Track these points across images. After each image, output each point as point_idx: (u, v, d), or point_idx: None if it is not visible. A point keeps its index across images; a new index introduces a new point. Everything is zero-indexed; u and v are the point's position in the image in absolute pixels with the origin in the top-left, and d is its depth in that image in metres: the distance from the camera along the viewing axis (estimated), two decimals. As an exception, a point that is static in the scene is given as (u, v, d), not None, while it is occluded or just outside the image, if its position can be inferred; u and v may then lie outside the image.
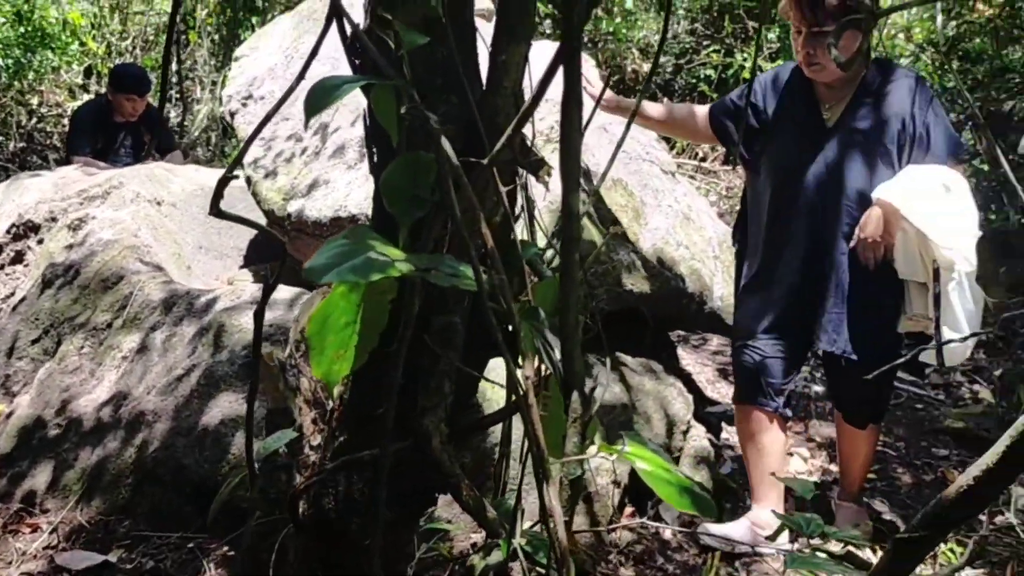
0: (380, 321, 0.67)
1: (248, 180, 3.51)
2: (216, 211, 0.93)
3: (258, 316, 1.12)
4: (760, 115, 2.85)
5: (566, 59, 0.74)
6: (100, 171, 4.57)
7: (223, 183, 0.94)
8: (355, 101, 3.56)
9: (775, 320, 2.78)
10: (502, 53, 0.88)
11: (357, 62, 0.99)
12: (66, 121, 8.62)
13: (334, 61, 3.59)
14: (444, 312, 0.92)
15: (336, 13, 1.02)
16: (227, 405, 2.66)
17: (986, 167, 5.60)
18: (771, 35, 7.06)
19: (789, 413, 2.85)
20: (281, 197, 3.35)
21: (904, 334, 2.73)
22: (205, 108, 8.01)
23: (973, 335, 2.56)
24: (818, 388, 4.38)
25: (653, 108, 3.08)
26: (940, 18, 4.76)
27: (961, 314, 2.54)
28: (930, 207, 2.48)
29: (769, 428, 2.78)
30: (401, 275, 0.60)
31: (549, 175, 0.99)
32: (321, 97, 0.65)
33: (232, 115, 3.77)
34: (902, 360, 2.24)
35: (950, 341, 2.48)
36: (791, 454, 3.87)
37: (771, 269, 2.80)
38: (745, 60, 7.23)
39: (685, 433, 3.09)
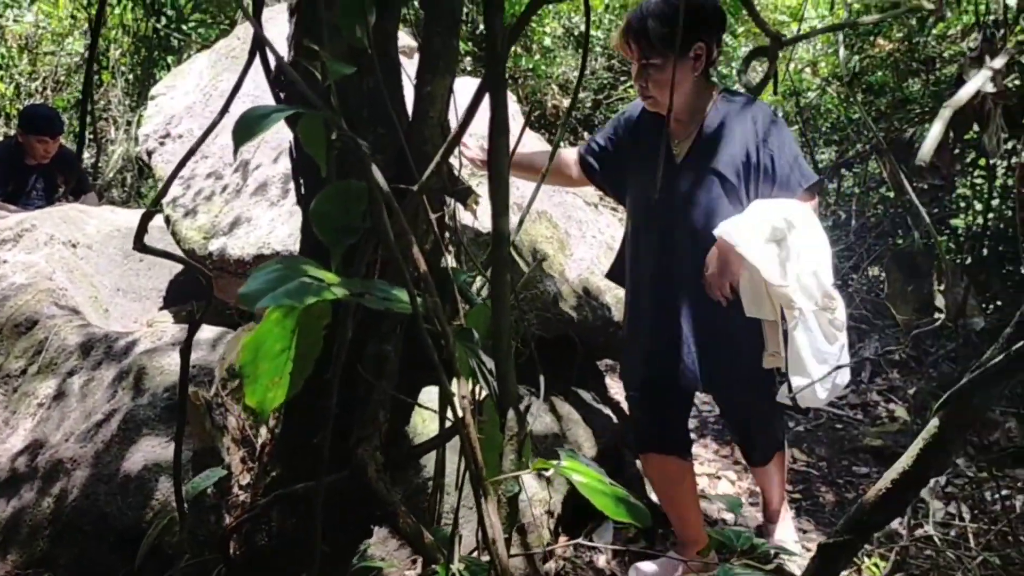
0: (315, 348, 0.68)
1: (167, 219, 3.45)
2: (140, 246, 0.92)
3: (184, 354, 1.11)
4: (622, 152, 2.75)
5: (492, 86, 0.76)
6: (11, 214, 4.42)
7: (147, 217, 0.94)
8: (277, 138, 3.55)
9: (652, 366, 2.66)
10: (427, 85, 0.90)
11: (282, 95, 1.00)
12: (-28, 164, 8.33)
13: (254, 98, 3.57)
14: (377, 340, 0.92)
15: (259, 46, 1.03)
16: (150, 449, 2.59)
17: (891, 194, 5.86)
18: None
19: (689, 455, 2.74)
20: (202, 236, 3.30)
21: (775, 369, 2.61)
22: (120, 148, 7.84)
23: (837, 368, 2.41)
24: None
25: (526, 158, 2.81)
26: (843, 52, 4.99)
27: (808, 354, 2.39)
28: (768, 244, 2.37)
29: (674, 474, 2.69)
30: (336, 299, 0.60)
31: (477, 203, 1.00)
32: (249, 126, 0.66)
33: (149, 154, 3.70)
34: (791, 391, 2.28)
35: (817, 381, 2.38)
36: (719, 477, 3.95)
37: (638, 311, 2.71)
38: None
39: (617, 461, 3.13)
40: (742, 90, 2.74)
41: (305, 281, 0.62)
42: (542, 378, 1.09)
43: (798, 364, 2.39)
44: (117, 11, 8.15)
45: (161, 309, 4.04)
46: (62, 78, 9.24)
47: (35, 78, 9.13)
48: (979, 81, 2.53)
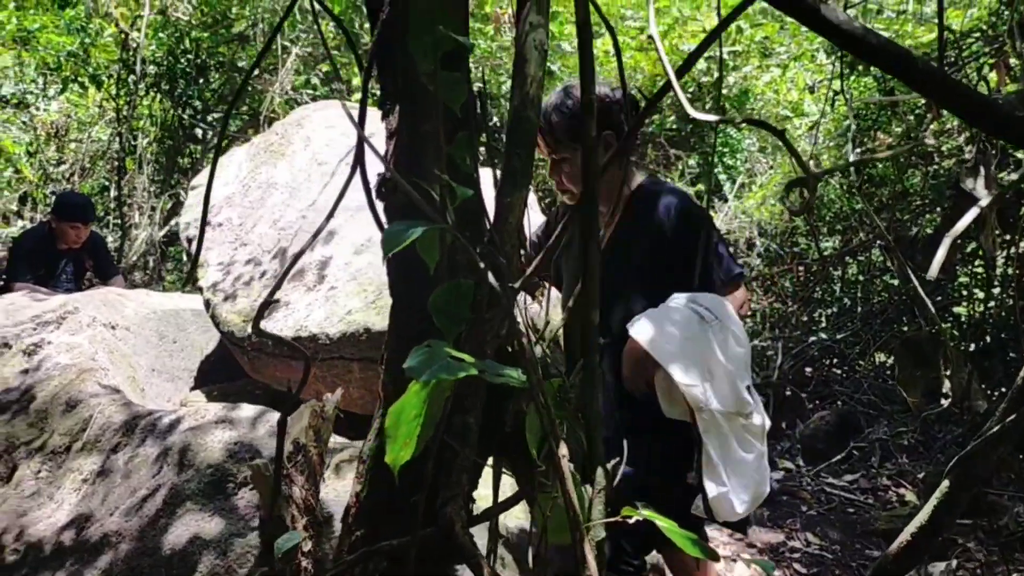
0: (437, 415, 0.82)
1: (207, 303, 3.62)
2: (257, 331, 1.08)
3: (281, 425, 1.26)
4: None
5: (586, 201, 0.92)
6: (48, 297, 4.61)
7: (264, 307, 1.10)
8: (312, 228, 3.74)
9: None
10: (507, 196, 1.07)
11: (380, 202, 1.18)
12: (0, 247, 8.59)
13: (292, 190, 3.80)
14: (461, 412, 1.07)
15: (360, 162, 1.21)
16: (194, 523, 2.69)
17: (895, 281, 6.04)
18: (691, 161, 7.56)
19: (645, 569, 2.56)
20: (241, 319, 3.47)
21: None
22: (143, 233, 8.09)
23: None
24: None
25: None
26: (849, 147, 5.24)
27: (720, 461, 2.16)
28: (677, 341, 2.19)
29: None
30: (471, 376, 0.75)
31: (543, 295, 1.15)
32: (396, 238, 0.82)
33: (190, 241, 3.90)
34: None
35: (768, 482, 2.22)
36: (734, 560, 4.02)
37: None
38: (669, 185, 7.67)
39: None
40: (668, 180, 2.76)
41: (451, 360, 0.77)
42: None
43: (711, 471, 2.17)
44: (146, 102, 8.51)
45: (193, 389, 4.18)
46: (87, 165, 9.57)
47: (61, 163, 9.46)
48: (973, 214, 2.72)
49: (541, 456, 1.06)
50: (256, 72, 8.92)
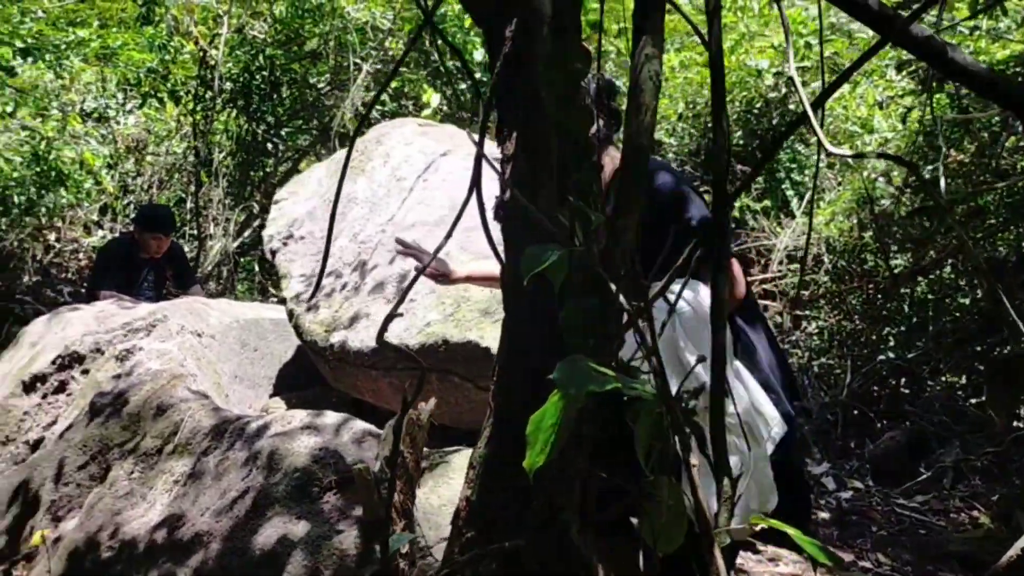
0: (570, 426, 0.88)
1: (290, 313, 3.75)
2: (381, 342, 1.15)
3: (396, 430, 1.34)
4: None
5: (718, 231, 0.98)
6: (135, 305, 4.81)
7: (389, 319, 1.18)
8: (392, 242, 3.86)
9: None
10: (620, 218, 1.14)
11: (498, 223, 1.25)
12: (81, 256, 8.93)
13: (372, 205, 3.91)
14: (578, 421, 1.13)
15: (477, 184, 1.29)
16: (281, 525, 2.80)
17: (966, 300, 5.95)
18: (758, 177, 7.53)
19: None
20: (323, 329, 3.58)
21: None
22: (218, 244, 8.34)
23: None
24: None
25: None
26: (943, 184, 5.16)
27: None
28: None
29: None
30: (614, 389, 0.81)
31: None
32: (534, 261, 0.89)
33: (273, 253, 4.05)
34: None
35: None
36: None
37: None
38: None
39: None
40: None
41: (595, 374, 0.84)
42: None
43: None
44: (222, 117, 8.79)
45: (272, 396, 4.32)
46: (164, 177, 9.90)
47: (140, 175, 9.80)
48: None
49: (649, 465, 1.12)
50: (326, 88, 9.17)
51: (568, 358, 0.88)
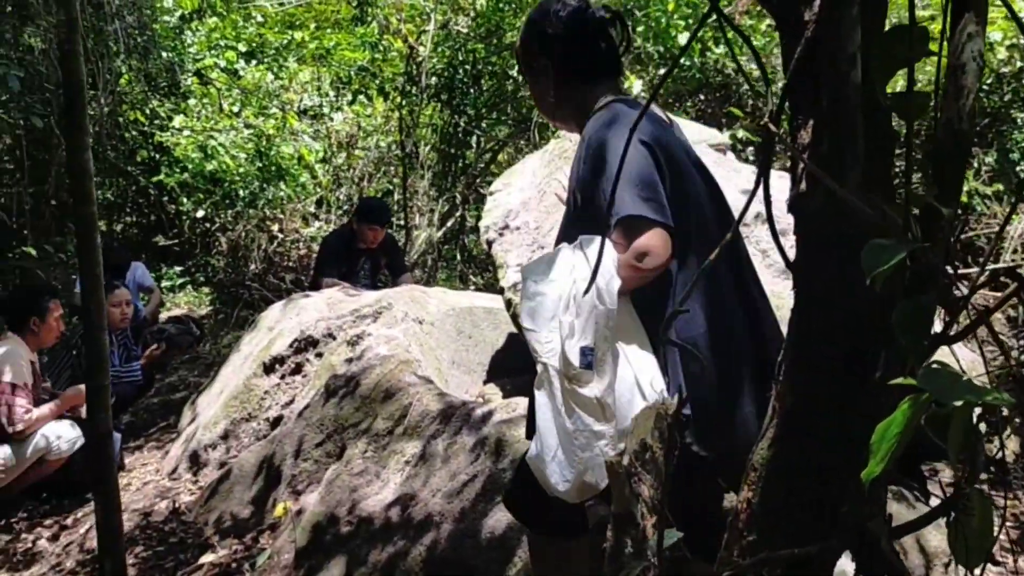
0: (909, 435, 0.83)
1: (508, 303, 3.83)
2: (665, 339, 1.13)
3: (673, 427, 1.31)
4: None
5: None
6: (357, 292, 5.07)
7: (673, 317, 1.15)
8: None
9: None
10: (945, 207, 1.06)
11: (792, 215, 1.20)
12: (301, 246, 9.54)
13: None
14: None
15: (765, 174, 1.24)
16: (511, 511, 2.87)
17: None
18: (988, 159, 6.95)
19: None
20: (542, 319, 3.62)
21: None
22: (424, 234, 8.65)
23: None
24: None
25: None
26: None
27: (551, 429, 1.91)
28: (544, 283, 1.98)
29: None
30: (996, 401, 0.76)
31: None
32: (878, 258, 0.84)
33: (490, 244, 4.13)
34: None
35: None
36: None
37: None
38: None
39: None
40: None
41: (972, 384, 0.78)
42: None
43: (542, 433, 1.95)
44: (427, 111, 9.11)
45: (486, 382, 4.43)
46: (372, 171, 10.39)
47: (351, 169, 10.33)
48: None
49: (961, 474, 1.04)
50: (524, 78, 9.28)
51: (931, 368, 0.83)
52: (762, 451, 1.31)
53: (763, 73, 1.24)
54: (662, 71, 8.13)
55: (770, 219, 1.28)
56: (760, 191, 1.26)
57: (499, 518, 2.85)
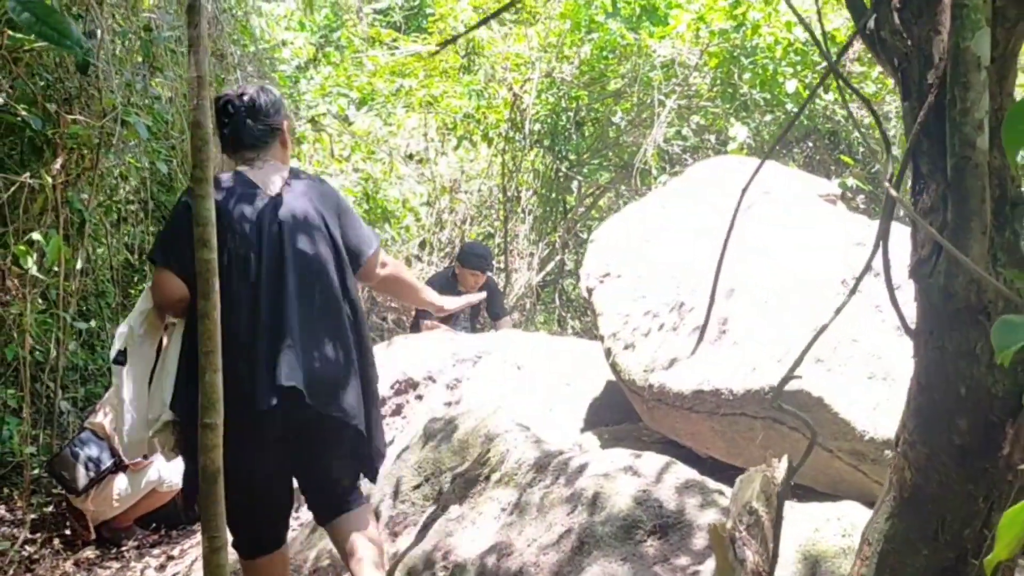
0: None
1: (608, 351, 3.81)
2: (778, 404, 1.10)
3: (780, 496, 1.27)
4: None
5: None
6: (455, 334, 5.14)
7: (784, 381, 1.12)
8: (707, 283, 3.80)
9: None
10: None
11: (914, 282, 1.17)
12: (403, 286, 9.70)
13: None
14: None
15: (884, 240, 1.20)
16: (607, 564, 2.82)
17: None
18: None
19: None
20: (641, 369, 3.59)
21: None
22: (523, 277, 8.71)
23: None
24: None
25: None
26: None
27: (129, 397, 2.60)
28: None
29: None
30: None
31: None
32: (1010, 335, 0.80)
33: (590, 291, 4.13)
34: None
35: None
36: None
37: None
38: None
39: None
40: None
41: None
42: None
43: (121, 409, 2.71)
44: (529, 156, 9.23)
45: (583, 431, 4.40)
46: (474, 214, 10.55)
47: (453, 212, 10.51)
48: None
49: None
50: (627, 125, 9.31)
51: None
52: (877, 524, 1.26)
53: (884, 138, 1.21)
54: (767, 117, 8.03)
55: (888, 283, 1.24)
56: (879, 253, 1.22)
57: (595, 572, 2.81)
